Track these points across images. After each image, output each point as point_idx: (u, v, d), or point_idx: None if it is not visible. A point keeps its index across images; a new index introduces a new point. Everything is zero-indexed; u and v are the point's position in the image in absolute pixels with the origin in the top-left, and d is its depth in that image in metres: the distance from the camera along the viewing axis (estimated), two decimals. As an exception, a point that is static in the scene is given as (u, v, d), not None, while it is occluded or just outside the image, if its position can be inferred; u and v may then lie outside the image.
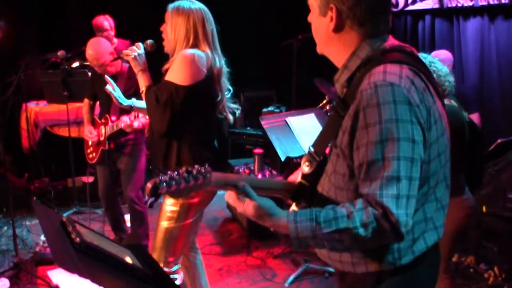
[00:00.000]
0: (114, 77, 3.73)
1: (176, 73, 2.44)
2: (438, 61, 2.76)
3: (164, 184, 1.27)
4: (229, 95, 2.68)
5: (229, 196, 1.43)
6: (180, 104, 2.44)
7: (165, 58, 2.64)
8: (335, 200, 1.46)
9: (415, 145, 1.31)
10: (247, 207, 1.38)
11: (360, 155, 1.34)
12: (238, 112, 2.74)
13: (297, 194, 1.54)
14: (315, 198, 1.52)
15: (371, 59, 1.41)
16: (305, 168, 1.54)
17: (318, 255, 1.64)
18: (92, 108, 3.98)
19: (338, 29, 1.45)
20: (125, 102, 2.89)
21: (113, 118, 3.67)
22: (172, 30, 2.50)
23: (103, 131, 3.77)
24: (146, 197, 1.22)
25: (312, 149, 1.54)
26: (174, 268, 2.67)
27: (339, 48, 1.48)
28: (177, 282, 2.71)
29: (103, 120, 3.81)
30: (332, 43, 1.48)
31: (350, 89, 1.43)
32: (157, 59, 2.75)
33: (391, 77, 1.33)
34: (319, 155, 1.52)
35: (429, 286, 1.57)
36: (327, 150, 1.52)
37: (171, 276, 2.66)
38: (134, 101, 2.90)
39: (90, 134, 3.84)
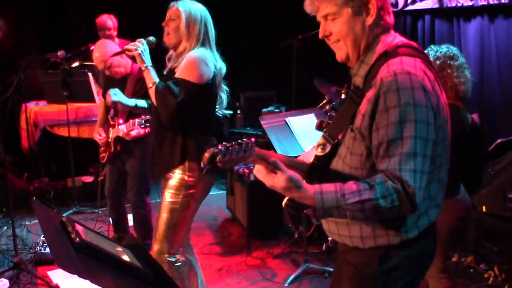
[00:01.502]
0: (124, 79, 3.72)
1: (190, 72, 2.57)
2: (464, 64, 2.76)
3: (221, 154, 1.40)
4: (225, 99, 2.79)
5: (257, 170, 1.54)
6: (192, 102, 2.56)
7: (160, 54, 2.71)
8: (348, 179, 1.56)
9: (429, 127, 1.46)
10: (277, 180, 1.48)
11: (380, 135, 1.48)
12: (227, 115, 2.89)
13: (310, 173, 1.66)
14: (326, 178, 1.62)
15: (387, 52, 1.55)
16: (319, 150, 1.68)
17: (326, 232, 1.77)
18: (107, 108, 3.93)
19: (375, 22, 1.57)
20: (129, 103, 2.95)
21: (120, 121, 3.67)
22: (187, 29, 2.61)
23: (111, 133, 3.79)
24: (202, 165, 1.38)
25: (326, 133, 1.68)
26: (177, 257, 2.76)
27: (364, 43, 1.60)
28: (181, 271, 2.78)
29: (111, 122, 3.81)
30: (364, 39, 1.59)
31: (366, 79, 1.57)
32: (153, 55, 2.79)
33: (408, 67, 1.48)
34: (333, 138, 1.66)
35: (429, 260, 1.72)
36: (340, 135, 1.67)
37: (176, 264, 2.75)
38: (137, 102, 2.96)
39: (99, 136, 3.84)
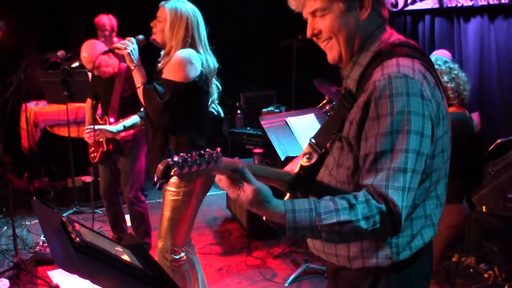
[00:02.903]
0: (112, 78, 3.75)
1: (175, 72, 2.58)
2: (459, 68, 2.75)
3: (177, 166, 1.21)
4: (215, 96, 2.81)
5: (220, 180, 1.34)
6: (180, 100, 2.58)
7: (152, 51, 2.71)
8: (334, 194, 1.41)
9: (423, 139, 1.31)
10: (243, 192, 1.29)
11: (368, 145, 1.33)
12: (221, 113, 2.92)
13: (294, 185, 1.51)
14: (312, 190, 1.50)
15: (382, 52, 1.41)
16: (305, 159, 1.52)
17: (311, 248, 1.62)
18: (94, 108, 4.00)
19: (370, 17, 1.42)
20: (115, 129, 2.99)
21: (111, 119, 3.69)
22: (171, 30, 2.62)
23: None
24: (156, 178, 1.21)
25: (313, 141, 1.53)
26: (181, 255, 2.77)
27: (358, 40, 1.45)
28: (184, 268, 2.80)
29: (101, 122, 3.82)
30: (357, 36, 1.44)
31: (360, 83, 1.42)
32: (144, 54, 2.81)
33: (405, 70, 1.33)
34: (320, 147, 1.51)
35: (424, 283, 1.57)
36: (328, 144, 1.51)
37: (179, 262, 2.77)
38: (124, 123, 2.97)
39: (88, 136, 3.85)
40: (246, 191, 1.28)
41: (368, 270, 1.46)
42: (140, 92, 2.66)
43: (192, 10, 2.67)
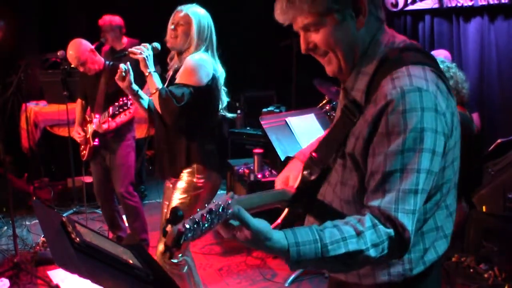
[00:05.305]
0: (98, 75, 3.83)
1: (189, 76, 2.62)
2: (456, 66, 2.75)
3: (189, 232, 1.07)
4: (225, 99, 2.83)
5: None
6: (194, 104, 2.61)
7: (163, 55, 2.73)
8: (339, 212, 1.37)
9: (434, 157, 1.22)
10: (240, 233, 1.16)
11: (376, 163, 1.24)
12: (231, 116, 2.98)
13: (295, 201, 1.42)
14: (314, 207, 1.44)
15: (389, 58, 1.30)
16: (306, 173, 1.43)
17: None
18: (84, 108, 4.07)
19: (368, 21, 1.31)
20: (136, 87, 2.82)
21: (97, 116, 3.76)
22: (197, 35, 2.66)
23: (89, 129, 3.87)
24: (165, 247, 1.03)
25: (314, 155, 1.43)
26: (180, 259, 2.79)
27: (358, 49, 1.34)
28: (184, 271, 2.82)
29: (89, 119, 3.91)
30: (356, 46, 1.33)
31: (368, 93, 1.31)
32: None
33: (418, 82, 1.22)
34: (323, 162, 1.41)
35: None
36: (330, 159, 1.42)
37: (178, 266, 2.79)
38: (138, 89, 2.85)
39: (77, 135, 3.95)
40: (245, 233, 1.15)
41: (380, 286, 1.39)
42: (155, 98, 2.64)
43: (209, 16, 2.73)
